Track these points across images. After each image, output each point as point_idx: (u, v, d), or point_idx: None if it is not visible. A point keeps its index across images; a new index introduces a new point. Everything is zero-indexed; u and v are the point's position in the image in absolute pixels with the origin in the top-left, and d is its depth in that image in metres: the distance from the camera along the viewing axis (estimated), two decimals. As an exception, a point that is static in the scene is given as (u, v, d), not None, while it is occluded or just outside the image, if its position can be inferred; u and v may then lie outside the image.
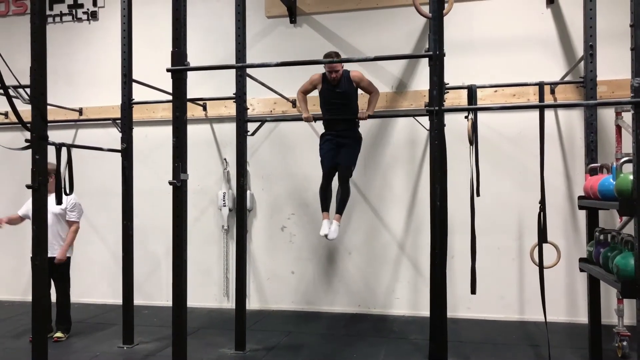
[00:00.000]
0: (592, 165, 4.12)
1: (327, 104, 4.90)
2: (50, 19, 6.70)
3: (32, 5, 3.32)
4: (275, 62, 3.68)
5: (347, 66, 5.67)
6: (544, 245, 3.86)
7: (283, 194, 6.21)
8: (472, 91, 4.25)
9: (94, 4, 6.75)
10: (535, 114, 3.99)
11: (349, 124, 4.92)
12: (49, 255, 4.85)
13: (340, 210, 4.85)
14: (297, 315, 5.89)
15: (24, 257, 6.36)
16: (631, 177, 3.08)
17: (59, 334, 4.99)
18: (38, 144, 3.28)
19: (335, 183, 4.95)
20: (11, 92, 3.65)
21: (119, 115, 4.99)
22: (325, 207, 4.91)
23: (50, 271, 4.92)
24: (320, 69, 5.92)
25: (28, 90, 3.42)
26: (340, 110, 4.86)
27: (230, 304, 6.10)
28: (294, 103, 6.03)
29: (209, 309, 6.19)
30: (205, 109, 6.31)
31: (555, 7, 5.54)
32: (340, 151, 4.87)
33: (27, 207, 5.11)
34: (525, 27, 5.58)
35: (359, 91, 4.97)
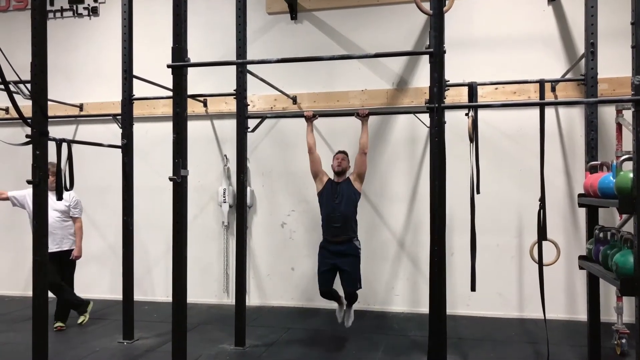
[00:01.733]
0: (592, 163, 4.12)
1: (328, 200, 4.57)
2: (50, 15, 6.69)
3: (32, 1, 3.32)
4: (276, 58, 3.69)
5: (347, 65, 5.68)
6: (544, 243, 3.86)
7: (283, 191, 6.21)
8: (472, 88, 4.23)
9: (95, -1, 6.76)
10: (536, 111, 3.99)
11: (349, 234, 4.53)
12: (60, 249, 5.16)
13: (350, 305, 4.65)
14: (297, 312, 5.90)
15: (24, 252, 6.38)
16: (631, 175, 3.08)
17: (61, 323, 5.22)
18: (38, 139, 3.28)
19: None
20: (12, 87, 3.64)
21: (119, 111, 4.97)
22: (336, 301, 4.72)
23: (61, 262, 5.22)
24: (319, 65, 5.93)
25: (29, 85, 3.42)
26: (341, 209, 4.50)
27: (230, 300, 6.11)
28: (294, 100, 6.02)
29: (208, 304, 6.20)
30: (205, 105, 6.31)
31: (557, 4, 5.53)
32: (342, 273, 4.54)
33: (20, 194, 5.18)
34: (527, 24, 5.57)
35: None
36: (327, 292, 4.62)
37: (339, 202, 4.53)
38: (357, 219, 4.65)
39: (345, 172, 4.69)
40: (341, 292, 4.66)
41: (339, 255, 4.52)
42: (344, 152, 4.80)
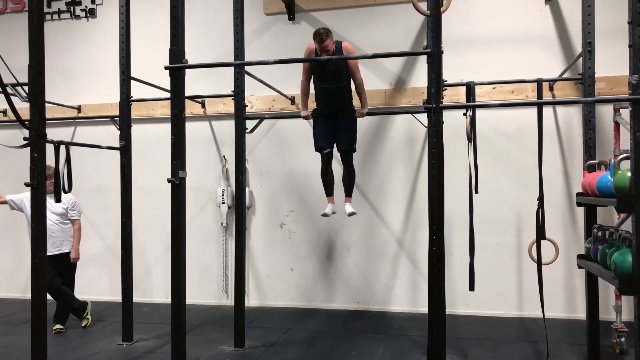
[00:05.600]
0: (590, 162, 4.13)
1: (321, 74, 4.72)
2: (48, 17, 6.69)
3: (29, 3, 3.32)
4: (274, 59, 3.68)
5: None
6: (543, 242, 3.87)
7: (282, 191, 6.21)
8: (470, 88, 4.24)
9: (92, 1, 6.74)
10: (534, 110, 4.00)
11: (344, 98, 4.76)
12: (60, 251, 5.15)
13: (349, 193, 4.97)
14: (296, 312, 5.90)
15: (23, 254, 6.37)
16: (629, 174, 3.08)
17: (60, 326, 5.21)
18: (36, 141, 3.28)
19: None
20: (9, 90, 3.64)
21: (117, 112, 4.98)
22: (328, 192, 4.96)
23: (61, 265, 5.21)
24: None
25: (26, 88, 3.42)
26: (333, 83, 4.69)
27: (229, 301, 6.11)
28: (292, 100, 6.02)
29: (208, 306, 6.20)
30: (203, 106, 6.31)
31: (554, 3, 5.54)
32: (338, 132, 4.76)
33: (18, 197, 5.19)
34: (524, 23, 5.58)
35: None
36: (327, 155, 4.81)
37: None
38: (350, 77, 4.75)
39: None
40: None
41: (335, 117, 4.75)
42: (325, 31, 4.54)
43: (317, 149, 4.87)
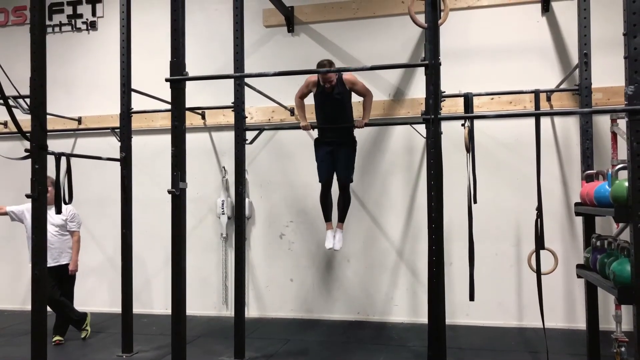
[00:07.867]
0: (588, 172, 4.15)
1: (322, 106, 4.91)
2: (49, 29, 6.74)
3: (31, 16, 3.36)
4: (273, 71, 3.73)
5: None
6: (542, 252, 3.87)
7: (281, 202, 6.22)
8: (468, 99, 4.27)
9: (93, 14, 6.80)
10: (532, 120, 4.03)
11: (345, 121, 4.94)
12: (58, 263, 5.12)
13: (342, 218, 5.04)
14: (296, 323, 5.89)
15: (22, 265, 6.37)
16: (626, 183, 3.09)
17: (60, 337, 5.17)
18: (37, 153, 3.31)
19: (335, 189, 5.02)
20: (11, 102, 3.67)
21: (118, 124, 5.01)
22: (327, 217, 5.06)
23: (59, 277, 5.17)
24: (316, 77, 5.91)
25: (27, 100, 3.45)
26: (334, 113, 4.88)
27: (229, 312, 6.09)
28: (292, 111, 6.06)
29: (208, 317, 6.18)
30: (204, 117, 6.34)
31: (551, 15, 5.59)
32: (337, 161, 4.93)
33: (18, 209, 5.19)
34: (521, 35, 5.63)
35: (354, 97, 4.99)
36: (327, 182, 4.96)
37: (335, 90, 4.78)
38: (352, 107, 5.01)
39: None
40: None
41: (336, 144, 4.93)
42: (329, 62, 4.77)
43: (320, 181, 5.02)
